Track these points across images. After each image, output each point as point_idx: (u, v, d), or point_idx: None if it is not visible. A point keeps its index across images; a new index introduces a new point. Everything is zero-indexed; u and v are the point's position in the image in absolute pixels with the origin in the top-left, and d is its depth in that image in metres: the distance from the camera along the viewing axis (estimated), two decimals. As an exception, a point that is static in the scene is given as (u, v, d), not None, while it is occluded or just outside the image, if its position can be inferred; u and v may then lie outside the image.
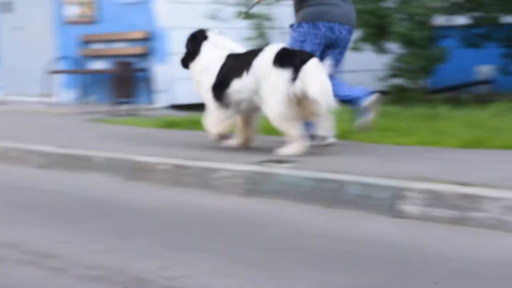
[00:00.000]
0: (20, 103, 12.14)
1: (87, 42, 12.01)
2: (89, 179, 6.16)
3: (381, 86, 10.78)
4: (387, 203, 4.64)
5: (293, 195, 5.09)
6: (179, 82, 10.83)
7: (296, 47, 6.17)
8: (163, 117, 8.88)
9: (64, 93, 12.42)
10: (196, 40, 6.48)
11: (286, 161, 5.62)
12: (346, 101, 6.31)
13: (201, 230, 4.42)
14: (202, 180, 5.58)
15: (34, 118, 9.90)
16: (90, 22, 11.92)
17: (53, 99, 12.09)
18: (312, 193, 5.00)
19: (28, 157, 6.86)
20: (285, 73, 5.69)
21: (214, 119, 6.32)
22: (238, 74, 5.99)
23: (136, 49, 11.14)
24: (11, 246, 4.13)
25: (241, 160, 5.74)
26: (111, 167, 6.21)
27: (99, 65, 11.86)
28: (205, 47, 6.38)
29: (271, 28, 9.83)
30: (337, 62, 6.38)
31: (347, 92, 6.30)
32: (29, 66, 12.97)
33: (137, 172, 6.01)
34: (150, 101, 11.02)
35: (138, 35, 11.16)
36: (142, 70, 10.88)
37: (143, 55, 11.02)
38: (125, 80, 9.83)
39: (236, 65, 6.05)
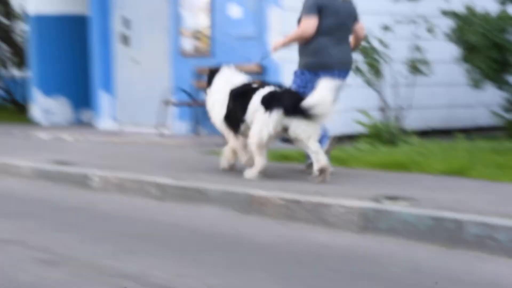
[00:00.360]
0: (135, 134, 12.43)
1: (201, 74, 12.22)
2: (204, 212, 6.22)
3: (496, 121, 10.54)
4: (509, 244, 4.49)
5: (410, 233, 5.01)
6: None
7: (299, 90, 7.02)
8: (275, 151, 8.90)
9: (177, 125, 12.64)
10: (211, 75, 7.47)
11: (401, 198, 5.54)
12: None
13: (316, 267, 4.39)
14: (316, 215, 5.55)
15: (149, 149, 10.10)
16: (205, 55, 12.13)
17: (167, 131, 12.33)
18: (430, 232, 4.91)
19: (144, 189, 6.99)
20: (267, 113, 6.72)
21: (238, 147, 7.28)
22: (243, 108, 6.92)
23: (249, 82, 11.25)
24: (131, 278, 4.20)
25: (355, 196, 5.69)
26: (226, 200, 6.26)
27: (212, 97, 12.02)
28: (215, 82, 7.38)
29: (384, 61, 9.75)
30: None
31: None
32: (144, 97, 13.28)
33: (251, 205, 6.03)
34: (261, 134, 11.08)
35: (252, 68, 11.26)
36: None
37: (256, 88, 11.12)
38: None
39: (240, 101, 6.98)
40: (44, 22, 15.21)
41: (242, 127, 7.04)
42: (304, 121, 6.61)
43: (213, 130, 11.86)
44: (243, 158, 7.28)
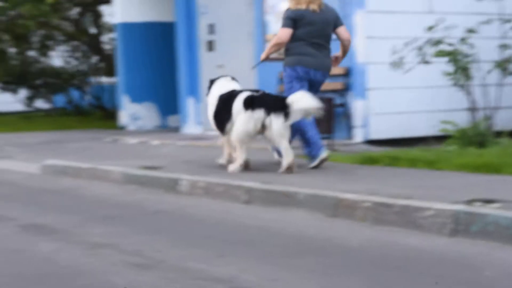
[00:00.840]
0: (217, 138, 12.50)
1: (285, 78, 12.23)
2: (292, 215, 6.21)
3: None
4: None
5: (504, 236, 4.89)
6: (376, 117, 10.78)
7: (288, 87, 8.10)
8: (361, 153, 8.85)
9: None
10: (210, 83, 8.65)
11: (493, 201, 5.42)
12: (305, 139, 8.11)
13: (409, 271, 4.33)
14: (407, 218, 5.47)
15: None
16: (289, 59, 12.13)
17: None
18: (525, 235, 4.79)
19: (232, 192, 7.03)
20: (248, 112, 7.78)
21: (224, 143, 8.37)
22: (228, 110, 8.00)
23: (335, 84, 11.20)
24: (223, 281, 4.22)
25: (445, 198, 5.60)
26: (314, 203, 6.23)
27: (296, 101, 12.03)
28: (212, 89, 8.52)
29: (470, 62, 9.56)
30: None
31: (311, 134, 8.12)
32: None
33: (340, 209, 5.99)
34: (347, 136, 11.02)
35: (338, 71, 11.21)
36: (341, 105, 10.92)
37: (341, 91, 11.06)
38: (325, 116, 9.87)
39: (226, 104, 8.07)
40: (130, 30, 15.50)
41: (228, 126, 8.04)
42: (280, 121, 7.63)
43: (294, 135, 11.89)
44: (226, 153, 8.34)
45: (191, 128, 13.87)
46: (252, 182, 6.99)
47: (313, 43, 8.16)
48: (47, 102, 20.59)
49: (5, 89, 20.08)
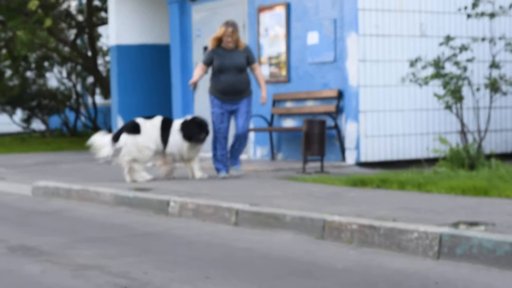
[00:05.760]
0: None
1: (278, 100, 12.30)
2: (279, 238, 6.23)
3: None
4: None
5: (487, 259, 4.92)
6: (368, 140, 10.82)
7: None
8: (352, 175, 8.88)
9: (254, 150, 12.73)
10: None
11: (479, 223, 5.45)
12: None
13: (391, 293, 4.35)
14: (393, 241, 5.50)
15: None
16: (282, 81, 12.21)
17: (245, 155, 12.41)
18: (508, 258, 4.81)
19: (220, 214, 7.05)
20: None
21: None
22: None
23: (327, 107, 11.27)
24: (204, 303, 4.24)
25: (431, 221, 5.62)
26: (302, 225, 6.26)
27: (289, 123, 12.08)
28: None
29: (463, 85, 9.62)
30: (238, 125, 9.63)
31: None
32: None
33: (327, 231, 6.02)
34: (338, 159, 11.07)
35: (329, 93, 11.29)
36: (332, 127, 10.96)
37: (333, 113, 11.12)
38: (316, 138, 9.93)
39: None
40: (125, 52, 15.58)
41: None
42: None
43: (289, 155, 11.94)
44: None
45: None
46: (241, 204, 7.02)
47: (227, 74, 9.62)
48: (42, 123, 20.65)
49: (2, 111, 20.16)
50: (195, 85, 9.67)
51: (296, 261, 5.33)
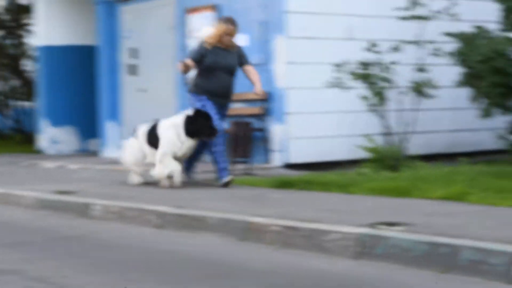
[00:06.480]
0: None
1: (206, 102, 12.26)
2: (203, 240, 6.22)
3: (501, 145, 10.51)
4: (503, 269, 4.48)
5: (405, 259, 5.00)
6: (295, 142, 10.87)
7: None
8: (278, 177, 8.91)
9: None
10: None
11: (398, 224, 5.53)
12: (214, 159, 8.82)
13: (310, 294, 4.39)
14: (314, 242, 5.55)
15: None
16: (209, 83, 12.17)
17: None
18: (425, 257, 4.90)
19: (144, 217, 7.01)
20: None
21: None
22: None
23: (254, 109, 11.28)
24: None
25: (351, 222, 5.69)
26: (225, 227, 6.26)
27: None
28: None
29: (388, 88, 9.75)
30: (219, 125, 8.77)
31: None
32: (150, 126, 13.31)
33: (250, 233, 6.04)
34: (265, 160, 11.09)
35: (256, 95, 11.29)
36: (259, 129, 10.99)
37: (260, 115, 11.14)
38: (242, 140, 9.94)
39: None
40: (52, 53, 15.34)
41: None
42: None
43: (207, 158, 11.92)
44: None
45: (112, 152, 13.76)
46: (165, 206, 6.99)
47: (216, 74, 8.98)
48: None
49: None
50: (187, 72, 8.92)
51: (219, 263, 5.34)
